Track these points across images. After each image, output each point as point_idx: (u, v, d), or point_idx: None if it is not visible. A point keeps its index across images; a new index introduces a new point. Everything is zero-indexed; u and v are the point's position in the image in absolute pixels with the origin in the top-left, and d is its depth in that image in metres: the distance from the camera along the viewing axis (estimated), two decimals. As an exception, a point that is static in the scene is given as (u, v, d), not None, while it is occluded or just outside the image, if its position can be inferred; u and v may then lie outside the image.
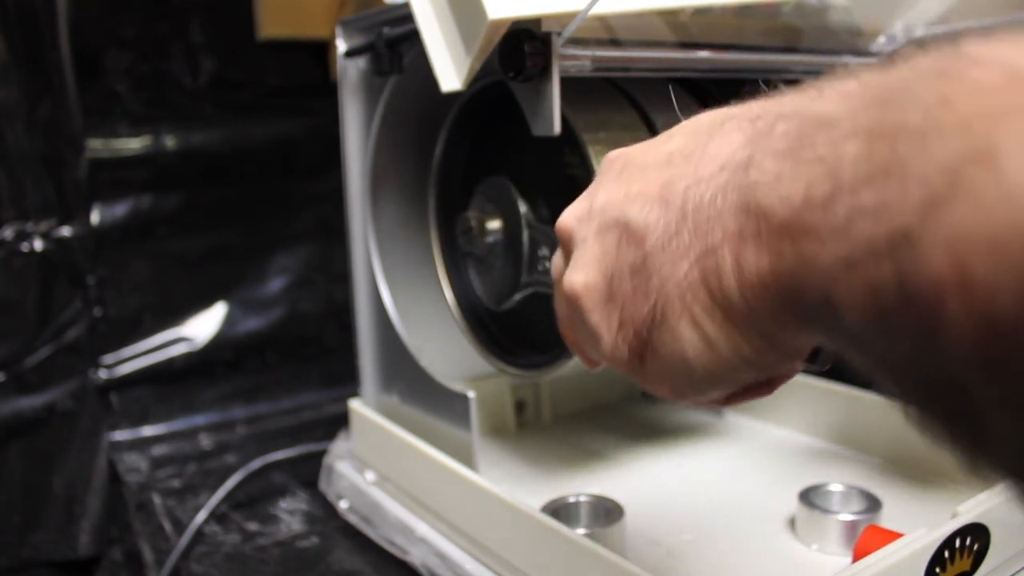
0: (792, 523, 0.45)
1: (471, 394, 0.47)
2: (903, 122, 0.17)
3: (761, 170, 0.21)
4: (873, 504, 0.44)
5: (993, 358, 0.15)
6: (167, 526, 0.58)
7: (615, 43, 0.41)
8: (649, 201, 0.25)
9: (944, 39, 0.18)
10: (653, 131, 0.45)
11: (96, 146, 0.77)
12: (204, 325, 0.82)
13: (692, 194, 0.24)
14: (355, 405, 0.58)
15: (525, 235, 0.45)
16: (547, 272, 0.44)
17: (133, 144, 0.79)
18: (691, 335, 0.24)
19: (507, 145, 0.48)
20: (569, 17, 0.36)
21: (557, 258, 0.32)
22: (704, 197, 0.23)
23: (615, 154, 0.30)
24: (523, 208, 0.45)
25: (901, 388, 0.19)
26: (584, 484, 0.50)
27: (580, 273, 0.28)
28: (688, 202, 0.24)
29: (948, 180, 0.15)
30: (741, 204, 0.22)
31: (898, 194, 0.16)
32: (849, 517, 0.42)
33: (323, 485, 0.59)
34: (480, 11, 0.35)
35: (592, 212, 0.28)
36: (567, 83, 0.38)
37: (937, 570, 0.36)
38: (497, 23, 0.36)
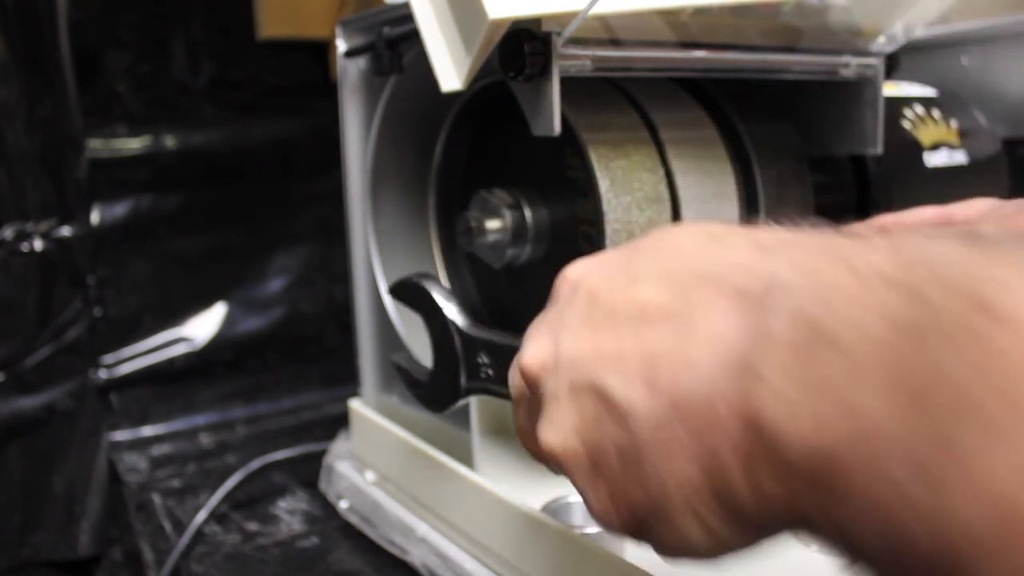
0: (792, 523, 0.45)
1: (471, 394, 0.47)
2: (939, 392, 0.16)
3: (769, 389, 0.19)
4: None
5: None
6: (167, 526, 0.58)
7: (615, 43, 0.41)
8: (629, 376, 0.23)
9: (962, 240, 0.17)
10: (653, 131, 0.45)
11: (96, 146, 0.77)
12: (204, 325, 0.82)
13: (683, 385, 0.21)
14: (355, 405, 0.58)
15: (457, 343, 0.41)
16: (490, 379, 0.40)
17: (133, 144, 0.79)
18: (696, 531, 0.22)
19: (507, 145, 0.48)
20: (569, 17, 0.36)
21: (517, 379, 0.29)
22: (697, 394, 0.21)
23: (574, 277, 0.27)
24: (451, 314, 0.41)
25: None
26: (584, 484, 0.50)
27: (556, 434, 0.25)
28: (678, 393, 0.21)
29: (1017, 478, 0.15)
30: (745, 419, 0.20)
31: (939, 467, 0.16)
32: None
33: (323, 485, 0.59)
34: (480, 11, 0.35)
35: (559, 363, 0.26)
36: (567, 83, 0.38)
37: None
38: (497, 23, 0.36)
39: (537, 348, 0.27)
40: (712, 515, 0.22)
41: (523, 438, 0.30)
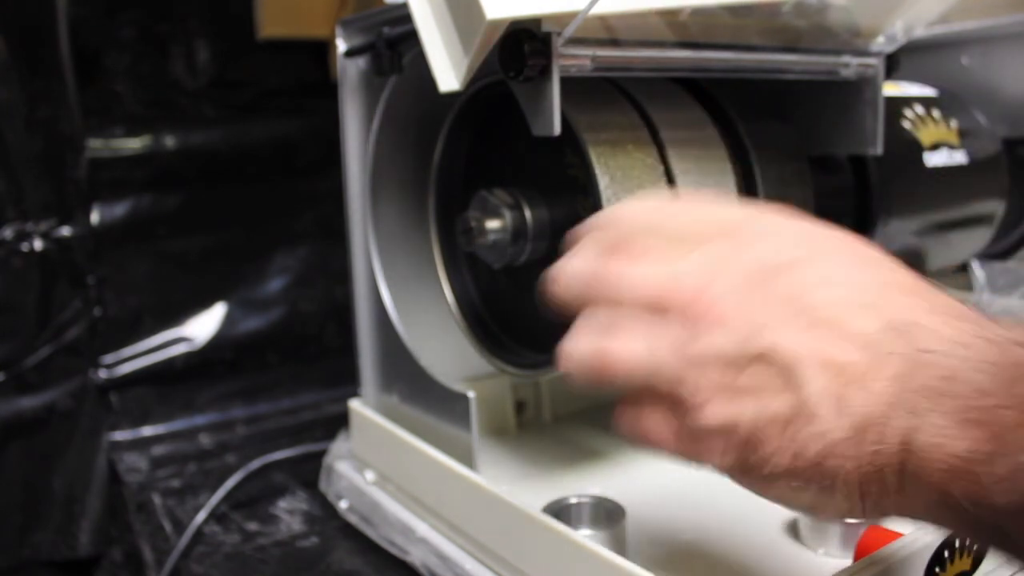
0: (794, 525, 0.45)
1: (471, 394, 0.47)
2: None
3: (926, 424, 0.24)
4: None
5: None
6: (167, 526, 0.58)
7: (615, 43, 0.41)
8: (827, 387, 0.26)
9: None
10: (653, 131, 0.45)
11: (96, 146, 0.77)
12: (204, 325, 0.82)
13: (866, 407, 0.26)
14: (355, 405, 0.58)
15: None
16: None
17: (133, 144, 0.79)
18: (834, 502, 0.27)
19: (507, 145, 0.48)
20: (569, 17, 0.36)
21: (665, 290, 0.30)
22: (872, 415, 0.25)
23: (790, 256, 0.29)
24: None
25: None
26: (584, 484, 0.50)
27: (729, 411, 0.28)
28: (859, 414, 0.26)
29: None
30: (906, 438, 0.25)
31: None
32: (852, 519, 0.42)
33: (323, 485, 0.59)
34: (478, 11, 0.35)
35: (757, 328, 0.28)
36: (567, 83, 0.38)
37: (937, 569, 0.36)
38: (495, 23, 0.36)
39: (731, 296, 0.29)
40: (845, 497, 0.27)
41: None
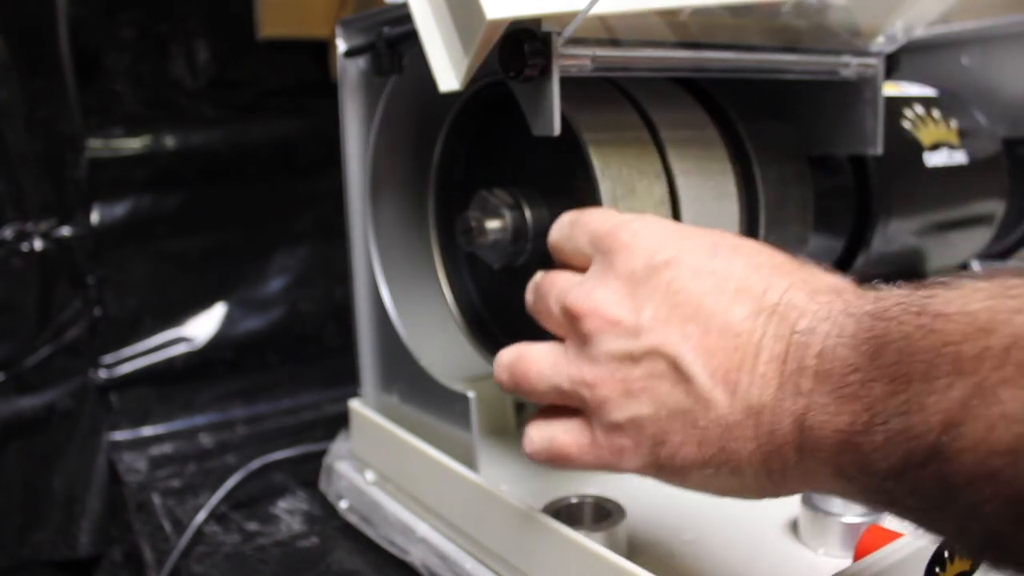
0: (794, 525, 0.45)
1: (471, 394, 0.47)
2: (911, 371, 0.23)
3: (812, 403, 0.26)
4: (875, 505, 0.44)
5: (1020, 515, 0.21)
6: (167, 526, 0.58)
7: (615, 43, 0.41)
8: (715, 374, 0.29)
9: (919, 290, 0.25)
10: (653, 131, 0.45)
11: (96, 146, 0.77)
12: (204, 325, 0.82)
13: (754, 390, 0.28)
14: (355, 405, 0.58)
15: None
16: None
17: (133, 144, 0.79)
18: (726, 481, 0.30)
19: (507, 145, 0.48)
20: (569, 17, 0.36)
21: (565, 309, 0.33)
22: (763, 399, 0.28)
23: (665, 256, 0.31)
24: None
25: (928, 529, 0.25)
26: (584, 484, 0.50)
27: (631, 408, 0.30)
28: (750, 398, 0.28)
29: (960, 409, 0.22)
30: (797, 420, 0.27)
31: (922, 421, 0.23)
32: (852, 519, 0.42)
33: (323, 485, 0.59)
34: (478, 11, 0.35)
35: (642, 326, 0.30)
36: (567, 83, 0.38)
37: (937, 570, 0.36)
38: (495, 23, 0.36)
39: (617, 300, 0.31)
40: (752, 477, 0.29)
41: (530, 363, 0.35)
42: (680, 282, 0.30)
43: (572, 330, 0.33)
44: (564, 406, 0.34)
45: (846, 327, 0.26)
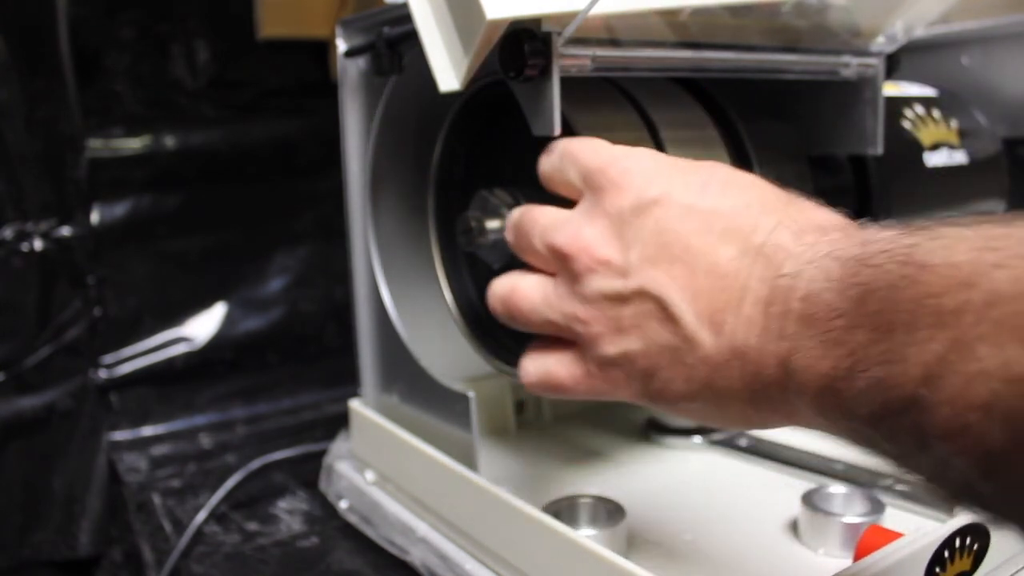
0: (794, 525, 0.45)
1: (471, 394, 0.47)
2: (894, 320, 0.24)
3: (797, 347, 0.27)
4: (876, 506, 0.44)
5: (990, 469, 0.22)
6: (167, 526, 0.58)
7: (615, 43, 0.41)
8: (700, 315, 0.29)
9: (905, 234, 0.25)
10: (653, 131, 0.45)
11: (96, 146, 0.77)
12: (204, 325, 0.82)
13: (739, 332, 0.28)
14: (355, 405, 0.58)
15: None
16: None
17: (133, 144, 0.79)
18: (716, 412, 0.31)
19: (507, 145, 0.48)
20: (569, 17, 0.36)
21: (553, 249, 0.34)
22: (748, 341, 0.28)
23: (653, 193, 0.31)
24: None
25: (907, 470, 0.25)
26: (584, 484, 0.50)
27: (623, 343, 0.31)
28: (736, 339, 0.28)
29: (939, 363, 0.22)
30: (782, 362, 0.27)
31: (902, 372, 0.23)
32: (852, 519, 0.42)
33: (323, 485, 0.59)
34: (478, 11, 0.35)
35: (630, 266, 0.31)
36: (567, 83, 0.38)
37: (937, 570, 0.36)
38: (495, 23, 0.36)
39: (603, 236, 0.32)
40: (740, 416, 0.30)
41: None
42: (667, 221, 0.31)
43: (562, 268, 0.33)
44: (557, 337, 0.35)
45: (832, 271, 0.26)
